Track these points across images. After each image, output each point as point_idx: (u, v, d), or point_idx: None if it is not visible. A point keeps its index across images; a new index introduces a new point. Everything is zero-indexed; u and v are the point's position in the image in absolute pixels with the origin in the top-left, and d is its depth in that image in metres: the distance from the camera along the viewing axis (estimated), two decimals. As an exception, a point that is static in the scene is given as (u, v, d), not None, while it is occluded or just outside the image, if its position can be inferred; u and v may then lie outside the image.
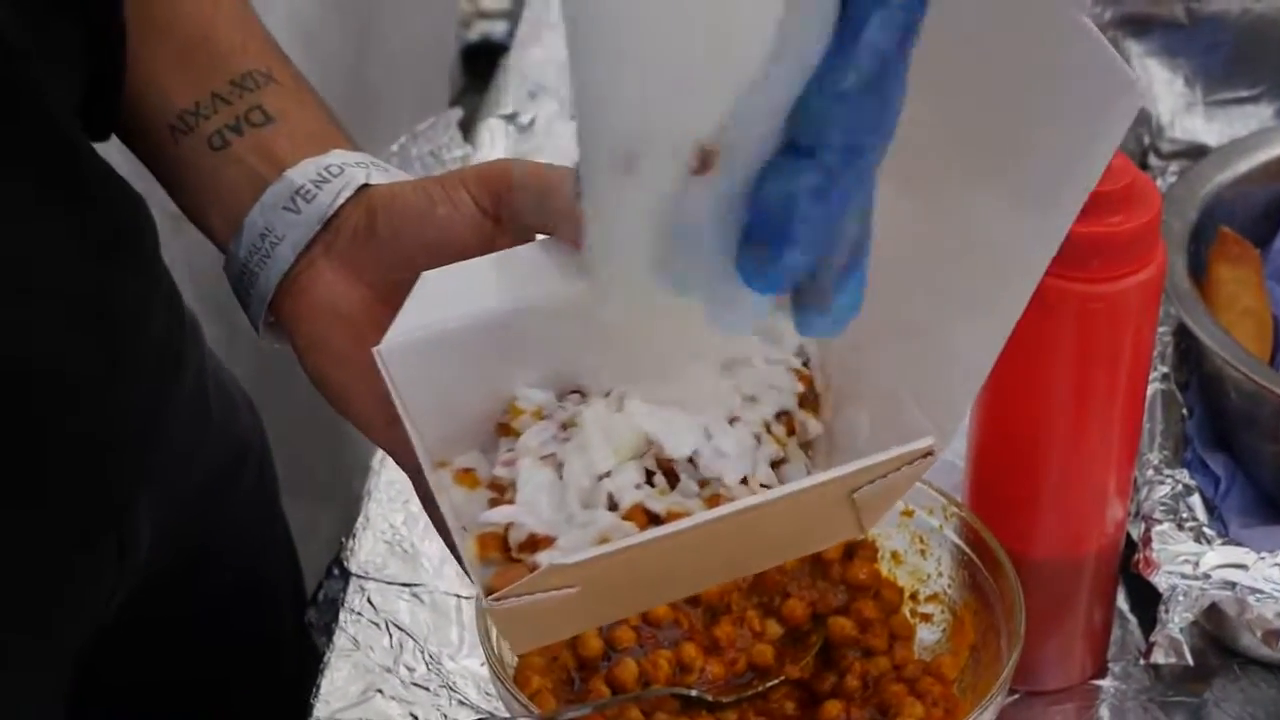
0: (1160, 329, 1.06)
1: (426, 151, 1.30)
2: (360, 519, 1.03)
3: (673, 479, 0.68)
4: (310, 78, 0.83)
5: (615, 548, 0.64)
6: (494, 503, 0.69)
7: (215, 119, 0.77)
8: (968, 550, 0.89)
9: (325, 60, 1.44)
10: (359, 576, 1.00)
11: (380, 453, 1.07)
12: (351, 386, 0.73)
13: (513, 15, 1.95)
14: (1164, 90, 1.21)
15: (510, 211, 0.73)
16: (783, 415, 0.71)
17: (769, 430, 0.70)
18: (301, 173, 0.75)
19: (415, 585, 0.99)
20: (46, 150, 0.77)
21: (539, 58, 1.38)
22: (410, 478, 0.74)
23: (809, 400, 0.72)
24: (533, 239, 0.73)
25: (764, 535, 0.69)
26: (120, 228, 0.83)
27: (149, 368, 0.86)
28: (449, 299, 0.70)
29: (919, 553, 0.92)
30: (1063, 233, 0.64)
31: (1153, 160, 1.22)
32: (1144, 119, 1.21)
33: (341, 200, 0.74)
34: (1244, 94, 1.22)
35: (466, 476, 0.70)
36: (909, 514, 0.92)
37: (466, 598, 0.98)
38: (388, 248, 0.74)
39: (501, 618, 0.68)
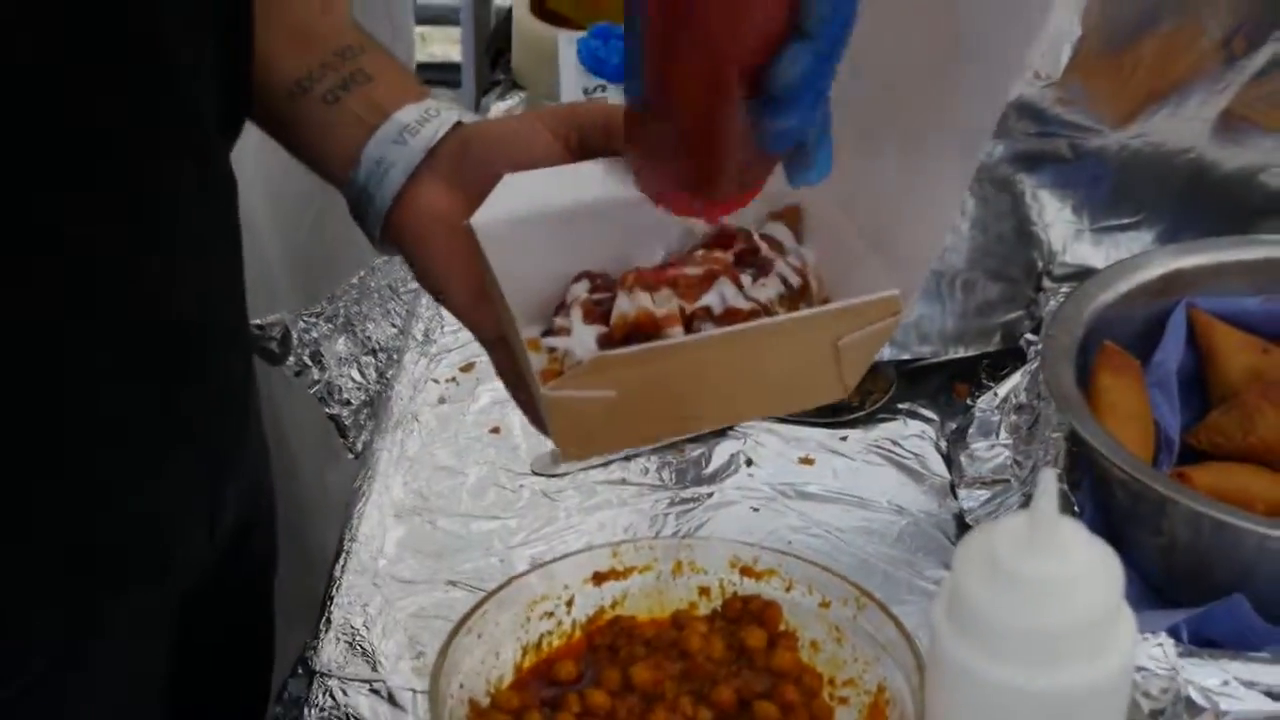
0: (1054, 435, 1.08)
1: (384, 284, 1.32)
2: (322, 622, 1.04)
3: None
4: (277, 219, 0.89)
5: (644, 348, 0.77)
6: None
7: (325, 82, 0.90)
8: (878, 637, 0.91)
9: (293, 203, 1.46)
10: (322, 674, 1.01)
11: (341, 560, 1.08)
12: (449, 273, 0.86)
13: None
14: (1055, 219, 1.23)
15: (580, 137, 0.86)
16: (784, 298, 0.83)
17: (775, 306, 0.83)
18: (406, 114, 0.88)
19: (374, 681, 1.00)
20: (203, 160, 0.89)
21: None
22: (488, 349, 0.87)
23: (806, 290, 0.85)
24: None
25: (764, 370, 0.80)
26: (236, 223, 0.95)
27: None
28: (525, 194, 0.84)
29: (835, 641, 0.93)
30: (999, 110, 0.78)
31: (1046, 283, 1.23)
32: (1038, 244, 1.23)
33: (442, 133, 0.88)
34: (1127, 220, 1.24)
35: (532, 343, 0.83)
36: (826, 605, 0.93)
37: (421, 691, 0.99)
38: (480, 165, 0.86)
39: (554, 407, 0.78)
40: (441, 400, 1.23)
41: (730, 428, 1.18)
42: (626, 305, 0.80)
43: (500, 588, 0.93)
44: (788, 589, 0.95)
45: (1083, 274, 1.21)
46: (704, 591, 0.96)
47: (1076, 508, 1.02)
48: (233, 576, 1.03)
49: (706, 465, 1.16)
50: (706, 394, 0.81)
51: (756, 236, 0.85)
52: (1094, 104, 1.17)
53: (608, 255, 0.84)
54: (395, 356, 1.27)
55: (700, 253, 0.84)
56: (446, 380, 1.24)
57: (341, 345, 1.27)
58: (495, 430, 1.19)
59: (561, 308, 0.83)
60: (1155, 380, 1.10)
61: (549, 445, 1.16)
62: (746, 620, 0.94)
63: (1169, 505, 0.99)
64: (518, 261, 0.82)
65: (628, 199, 0.83)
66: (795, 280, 0.84)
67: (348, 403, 1.25)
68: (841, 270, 0.85)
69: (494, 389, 1.22)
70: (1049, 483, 0.66)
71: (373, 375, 1.27)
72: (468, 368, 1.25)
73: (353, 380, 1.26)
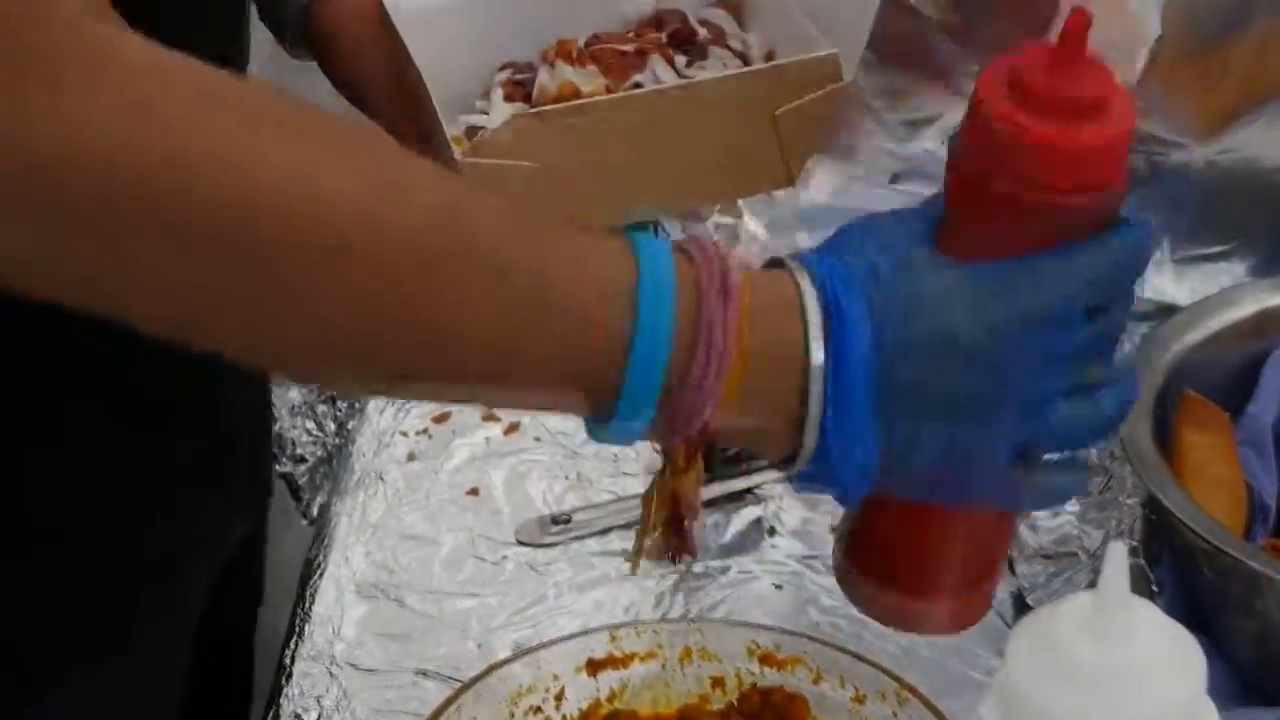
0: (1129, 501, 1.08)
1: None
2: (269, 716, 1.04)
3: None
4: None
5: (561, 106, 0.86)
6: None
7: None
8: (922, 739, 0.91)
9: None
10: (269, 778, 1.01)
11: (293, 644, 1.08)
12: (365, 69, 0.95)
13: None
14: (1131, 247, 1.23)
15: None
16: None
17: None
18: None
19: (328, 787, 1.00)
20: None
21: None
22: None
23: None
24: None
25: (699, 143, 0.88)
26: None
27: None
28: None
29: (872, 743, 0.93)
30: None
31: (1121, 322, 1.23)
32: (1110, 278, 1.23)
33: None
34: (1215, 250, 1.23)
35: (456, 140, 0.90)
36: (860, 700, 0.93)
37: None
38: None
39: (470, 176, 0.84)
40: (411, 456, 1.22)
41: (749, 491, 1.18)
42: (548, 79, 0.88)
43: (478, 678, 0.94)
44: (815, 680, 0.95)
45: (1164, 312, 1.21)
46: (717, 683, 0.96)
47: (1154, 586, 1.02)
48: (221, 617, 1.08)
49: (722, 535, 1.16)
50: (639, 169, 0.87)
51: (694, 21, 0.93)
52: (1176, 114, 1.16)
53: (535, 44, 0.93)
54: (357, 405, 1.27)
55: (631, 33, 0.92)
56: (417, 433, 1.24)
57: (295, 392, 1.27)
58: (473, 492, 1.19)
59: (484, 96, 0.92)
60: (1248, 437, 1.10)
61: (537, 510, 1.17)
62: (767, 716, 0.94)
63: (1264, 583, 0.98)
64: (440, 53, 0.89)
65: None
66: (737, 65, 0.92)
67: (302, 459, 1.25)
68: (792, 55, 0.92)
69: (472, 443, 1.22)
70: (1119, 557, 0.66)
71: (331, 427, 1.27)
72: (442, 418, 1.25)
73: (307, 433, 1.26)
